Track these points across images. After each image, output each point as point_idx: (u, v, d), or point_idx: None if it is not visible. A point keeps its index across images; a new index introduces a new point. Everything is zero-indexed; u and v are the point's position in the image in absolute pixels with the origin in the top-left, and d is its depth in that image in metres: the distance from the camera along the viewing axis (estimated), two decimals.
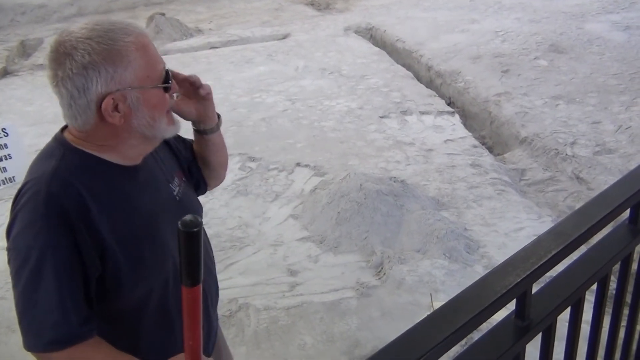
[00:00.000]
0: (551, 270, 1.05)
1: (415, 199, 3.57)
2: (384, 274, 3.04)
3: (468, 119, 5.33)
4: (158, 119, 1.21)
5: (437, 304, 2.76)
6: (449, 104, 5.53)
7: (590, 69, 5.75)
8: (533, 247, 1.04)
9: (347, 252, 3.25)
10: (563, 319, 1.16)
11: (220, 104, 5.32)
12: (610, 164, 4.08)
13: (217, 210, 3.77)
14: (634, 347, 1.53)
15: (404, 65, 6.53)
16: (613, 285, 1.34)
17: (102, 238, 1.17)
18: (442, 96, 5.66)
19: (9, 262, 1.17)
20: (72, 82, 1.12)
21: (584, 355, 1.35)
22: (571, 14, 7.52)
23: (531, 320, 1.03)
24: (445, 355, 0.88)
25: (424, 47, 6.78)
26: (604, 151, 4.27)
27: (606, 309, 1.31)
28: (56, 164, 1.17)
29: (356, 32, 7.90)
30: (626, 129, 4.56)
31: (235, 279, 3.10)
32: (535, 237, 3.34)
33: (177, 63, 6.83)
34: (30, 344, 1.17)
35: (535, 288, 1.04)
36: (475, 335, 1.22)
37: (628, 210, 1.29)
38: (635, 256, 1.34)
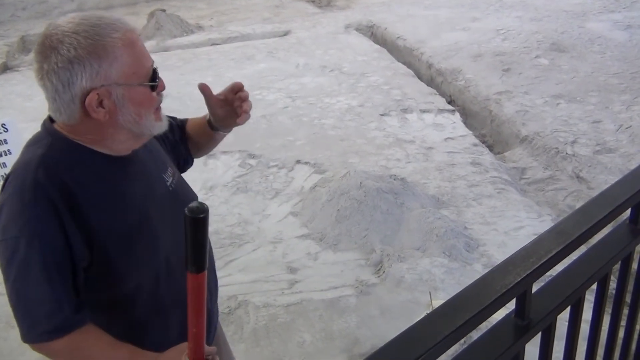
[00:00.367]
0: (551, 270, 1.04)
1: (415, 197, 3.57)
2: (384, 272, 3.04)
3: (468, 118, 5.32)
4: (144, 116, 1.20)
5: (436, 302, 2.76)
6: (449, 102, 5.53)
7: (592, 68, 5.74)
8: (533, 246, 1.04)
9: (346, 250, 3.25)
10: (562, 318, 1.16)
11: None
12: (610, 164, 4.08)
13: (216, 207, 3.76)
14: (634, 346, 1.53)
15: (404, 63, 6.52)
16: (613, 284, 1.34)
17: (89, 227, 1.16)
18: (442, 94, 5.66)
19: None
20: (57, 76, 1.11)
21: (584, 354, 1.35)
22: (572, 13, 7.51)
23: (531, 319, 1.03)
24: (445, 354, 0.88)
25: (425, 45, 6.76)
26: (605, 150, 4.26)
27: (606, 309, 1.31)
28: (43, 152, 1.17)
29: (357, 29, 7.88)
30: (627, 128, 4.55)
31: (235, 276, 3.10)
32: (535, 236, 3.33)
33: (178, 59, 6.83)
34: (26, 336, 1.17)
35: (535, 287, 1.04)
36: (475, 334, 1.21)
37: (629, 210, 1.29)
38: (636, 256, 1.34)
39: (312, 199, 3.68)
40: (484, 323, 0.95)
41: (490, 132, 5.09)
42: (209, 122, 1.51)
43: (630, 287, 1.39)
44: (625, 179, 1.29)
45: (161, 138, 1.46)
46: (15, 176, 1.17)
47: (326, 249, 3.28)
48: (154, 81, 1.20)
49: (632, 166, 3.95)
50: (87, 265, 1.18)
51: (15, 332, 2.71)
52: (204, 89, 1.45)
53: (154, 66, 1.21)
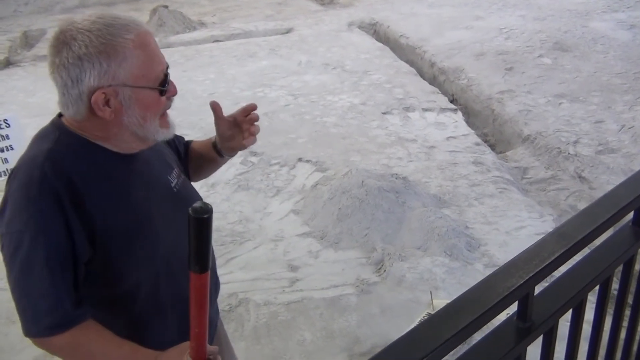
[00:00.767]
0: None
1: (416, 196, 3.57)
2: (385, 270, 3.04)
3: (471, 117, 5.32)
4: (150, 120, 1.20)
5: (437, 302, 2.76)
6: (451, 101, 5.52)
7: (595, 67, 5.73)
8: (536, 249, 1.03)
9: (347, 249, 3.25)
10: (564, 319, 1.15)
11: (223, 98, 5.31)
12: (612, 164, 4.07)
13: (218, 204, 3.76)
14: (635, 348, 1.53)
15: (407, 62, 6.51)
16: (615, 285, 1.33)
17: (92, 223, 1.17)
18: (445, 93, 5.65)
19: (2, 248, 1.17)
20: (67, 72, 1.12)
21: (585, 355, 1.35)
22: (576, 12, 7.50)
23: (533, 322, 1.03)
24: (446, 356, 0.88)
25: (428, 44, 6.75)
26: (607, 150, 4.26)
27: (608, 309, 1.30)
28: (50, 147, 1.17)
29: (360, 27, 7.87)
30: (629, 128, 4.54)
31: (236, 274, 3.10)
32: (536, 236, 3.31)
33: (180, 56, 6.82)
34: (28, 330, 1.18)
35: (537, 289, 1.04)
36: (477, 335, 1.21)
37: (632, 213, 1.28)
38: (638, 258, 1.34)
39: (314, 197, 3.68)
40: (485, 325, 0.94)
41: (492, 132, 5.09)
42: (214, 144, 1.52)
43: (632, 288, 1.39)
44: (628, 181, 1.29)
45: (172, 143, 1.47)
46: (21, 170, 1.17)
47: (327, 247, 3.28)
48: (163, 86, 1.20)
49: (635, 166, 3.94)
50: (88, 260, 1.19)
51: (15, 328, 2.72)
52: (215, 107, 1.45)
53: (167, 71, 1.21)
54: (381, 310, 2.79)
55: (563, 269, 1.12)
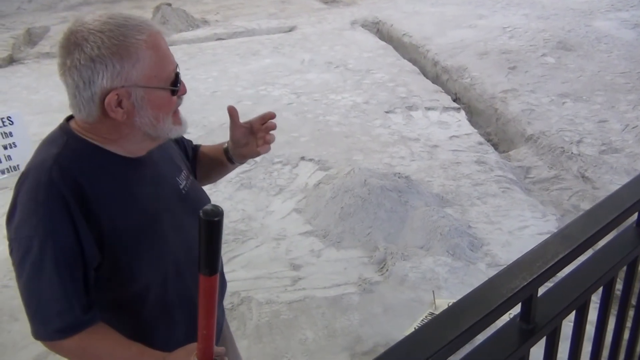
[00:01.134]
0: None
1: (419, 195, 3.56)
2: (387, 270, 3.04)
3: (474, 116, 5.31)
4: (162, 120, 1.20)
5: (440, 301, 2.76)
6: (454, 100, 5.52)
7: (598, 67, 5.72)
8: (540, 250, 1.03)
9: (350, 248, 3.25)
10: (567, 319, 1.15)
11: (225, 96, 5.31)
12: (616, 164, 4.06)
13: (220, 202, 3.76)
14: (638, 348, 1.52)
15: (410, 60, 6.51)
16: (618, 285, 1.33)
17: (101, 227, 1.17)
18: (448, 92, 5.64)
19: (11, 253, 1.17)
20: (78, 73, 1.11)
21: (588, 355, 1.34)
22: (580, 11, 7.48)
23: (536, 323, 1.03)
24: (449, 357, 0.88)
25: (431, 42, 6.75)
26: (610, 150, 4.25)
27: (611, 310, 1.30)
28: (58, 152, 1.17)
29: (363, 25, 7.87)
30: (633, 128, 4.53)
31: (238, 272, 3.10)
32: (539, 236, 3.29)
33: (183, 54, 6.82)
34: (38, 333, 1.18)
35: (540, 290, 1.04)
36: (480, 337, 1.21)
37: (635, 214, 1.28)
38: None
39: (316, 196, 3.68)
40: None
41: (495, 131, 5.08)
42: (225, 151, 1.51)
43: (636, 290, 1.38)
44: (632, 182, 1.28)
45: (181, 144, 1.47)
46: (29, 175, 1.17)
47: (329, 246, 3.28)
48: (175, 85, 1.19)
49: (638, 166, 3.94)
50: (98, 265, 1.19)
51: (18, 325, 2.73)
52: (232, 112, 1.44)
53: (177, 70, 1.21)
54: (383, 309, 2.79)
55: (566, 270, 1.12)
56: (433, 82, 5.85)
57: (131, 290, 1.25)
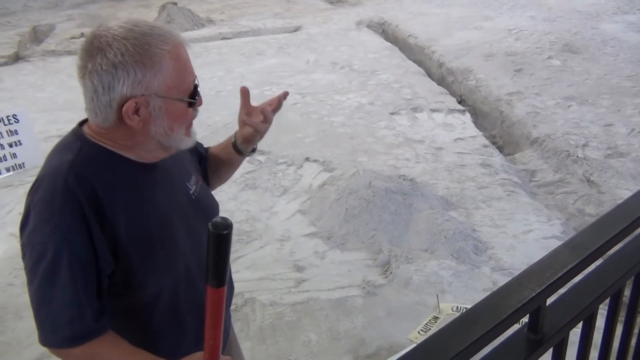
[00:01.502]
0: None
1: (424, 198, 3.56)
2: (391, 272, 3.03)
3: (479, 118, 5.30)
4: (176, 130, 1.20)
5: (444, 305, 2.75)
6: (460, 102, 5.50)
7: (604, 70, 5.70)
8: (549, 260, 1.02)
9: (354, 250, 3.24)
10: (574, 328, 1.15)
11: (230, 96, 5.31)
12: (621, 168, 4.05)
13: (224, 203, 3.76)
14: None
15: (415, 62, 6.50)
16: (626, 292, 1.32)
17: (115, 233, 1.17)
18: (453, 94, 5.63)
19: (24, 257, 1.17)
20: (99, 78, 1.11)
21: None
22: (586, 14, 7.45)
23: (544, 334, 1.02)
24: None
25: (436, 44, 6.73)
26: (616, 154, 4.23)
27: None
28: (73, 158, 1.17)
29: (368, 26, 7.86)
30: (639, 132, 4.51)
31: (242, 273, 3.10)
32: (544, 240, 3.26)
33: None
34: (46, 340, 1.18)
35: (548, 300, 1.03)
36: (487, 347, 1.21)
37: None
38: None
39: (321, 197, 3.68)
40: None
41: (500, 133, 5.07)
42: (234, 144, 1.52)
43: None
44: None
45: (192, 148, 1.47)
46: (44, 181, 1.16)
47: (334, 248, 3.28)
48: (193, 98, 1.20)
49: None
50: (111, 273, 1.19)
51: (23, 324, 2.73)
52: (244, 91, 1.46)
53: (196, 82, 1.21)
54: (387, 312, 2.78)
55: (574, 279, 1.11)
56: (438, 84, 5.84)
57: (143, 296, 1.25)
